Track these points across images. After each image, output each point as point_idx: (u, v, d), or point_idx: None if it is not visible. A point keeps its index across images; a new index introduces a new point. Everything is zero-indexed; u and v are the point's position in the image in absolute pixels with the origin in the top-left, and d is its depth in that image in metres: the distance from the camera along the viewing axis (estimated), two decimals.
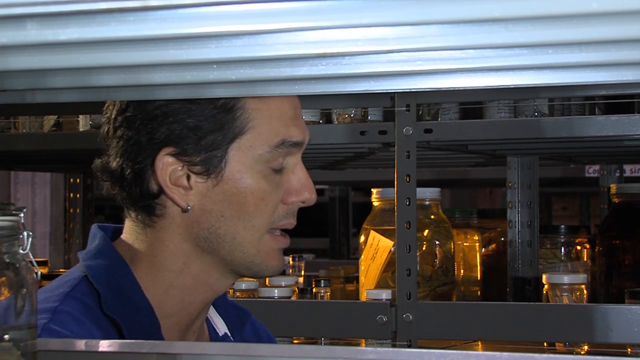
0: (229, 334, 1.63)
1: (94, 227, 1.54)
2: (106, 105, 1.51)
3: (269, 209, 1.48)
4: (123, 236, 1.52)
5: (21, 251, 1.03)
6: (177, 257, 1.48)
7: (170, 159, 1.45)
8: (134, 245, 1.50)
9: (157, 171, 1.45)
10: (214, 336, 1.61)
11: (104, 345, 1.11)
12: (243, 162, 1.46)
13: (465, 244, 3.06)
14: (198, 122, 1.44)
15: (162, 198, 1.47)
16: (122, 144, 1.47)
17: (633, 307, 2.22)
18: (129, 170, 1.46)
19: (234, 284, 2.67)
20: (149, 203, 1.48)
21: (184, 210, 1.46)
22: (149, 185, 1.47)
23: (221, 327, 1.63)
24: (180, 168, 1.45)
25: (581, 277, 2.46)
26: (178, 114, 1.44)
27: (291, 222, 1.51)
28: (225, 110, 1.45)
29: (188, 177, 1.46)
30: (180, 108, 1.44)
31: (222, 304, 1.64)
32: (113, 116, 1.48)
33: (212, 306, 1.62)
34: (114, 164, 1.48)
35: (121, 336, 1.43)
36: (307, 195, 1.51)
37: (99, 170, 1.51)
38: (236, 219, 1.46)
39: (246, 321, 1.67)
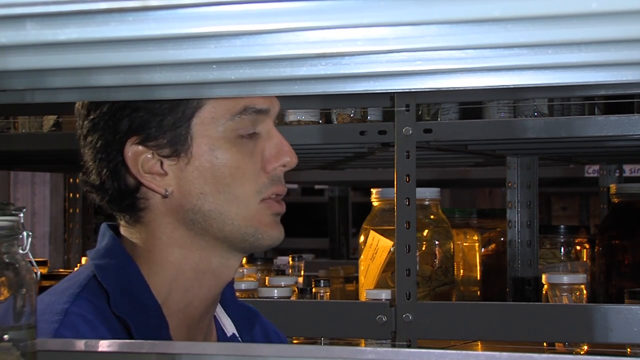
0: (237, 335, 1.62)
1: (103, 226, 1.55)
2: (76, 118, 1.53)
3: (247, 177, 1.47)
4: (123, 237, 1.53)
5: (21, 251, 1.03)
6: (172, 247, 1.49)
7: (139, 148, 1.46)
8: (133, 244, 1.51)
9: (128, 163, 1.46)
10: (221, 337, 1.61)
11: (104, 345, 1.11)
12: (209, 135, 1.46)
13: (464, 244, 3.06)
14: (154, 104, 1.45)
15: (142, 191, 1.48)
16: (92, 149, 1.49)
17: (633, 307, 2.22)
18: (104, 171, 1.48)
19: (233, 277, 2.66)
20: (131, 201, 1.48)
21: (165, 197, 1.47)
22: (125, 181, 1.48)
23: (229, 328, 1.62)
24: (150, 156, 1.46)
25: (581, 277, 2.46)
26: (133, 103, 1.45)
27: (280, 189, 1.50)
28: None
29: (161, 164, 1.46)
30: None
31: (230, 304, 1.64)
32: (80, 125, 1.51)
33: (220, 306, 1.62)
34: (92, 174, 1.50)
35: (130, 336, 1.43)
36: (287, 159, 1.50)
37: (83, 184, 1.54)
38: (217, 193, 1.46)
39: (255, 321, 1.66)
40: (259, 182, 1.48)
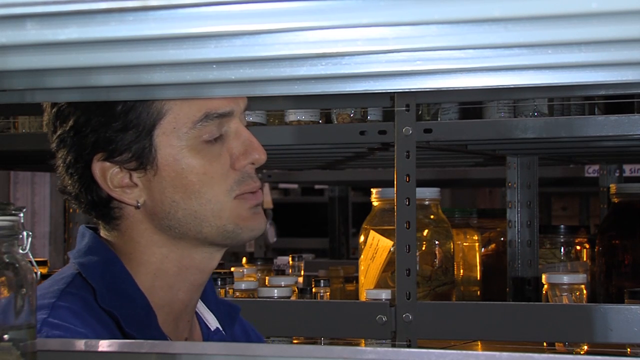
0: (221, 329, 1.63)
1: (81, 227, 1.57)
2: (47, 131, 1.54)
3: (215, 180, 1.47)
4: (103, 237, 1.54)
5: (21, 251, 1.03)
6: (152, 250, 1.50)
7: (105, 164, 1.47)
8: (113, 245, 1.52)
9: (97, 179, 1.48)
10: (205, 331, 1.62)
11: (104, 345, 1.11)
12: (172, 145, 1.47)
13: (464, 243, 3.06)
14: (115, 120, 1.45)
15: (115, 202, 1.49)
16: (62, 164, 1.51)
17: (633, 307, 2.22)
18: (77, 185, 1.50)
19: (233, 277, 2.67)
20: (106, 210, 1.50)
21: (137, 207, 1.48)
22: (98, 194, 1.49)
23: (212, 322, 1.63)
24: (117, 170, 1.47)
25: (581, 277, 2.46)
26: (95, 120, 1.46)
27: (251, 185, 1.50)
28: (136, 102, 1.45)
29: (130, 176, 1.48)
30: (96, 112, 1.45)
31: (212, 300, 1.65)
32: (50, 139, 1.53)
33: (202, 302, 1.63)
34: (67, 185, 1.52)
35: (119, 329, 1.44)
36: (256, 155, 1.50)
37: (61, 193, 1.56)
38: (188, 199, 1.47)
39: (236, 318, 1.68)
40: (229, 182, 1.48)
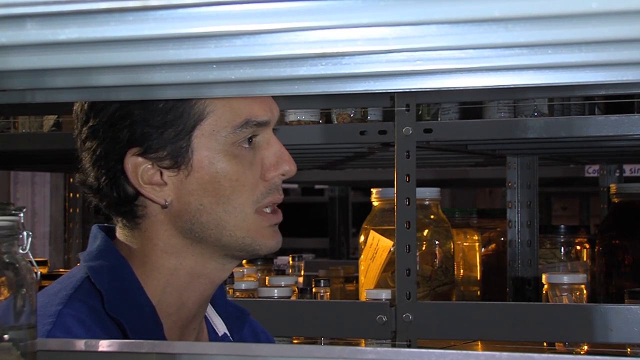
0: (229, 334, 1.63)
1: (94, 228, 1.54)
2: (74, 120, 1.52)
3: (246, 189, 1.47)
4: (117, 239, 1.53)
5: (21, 251, 1.03)
6: (169, 254, 1.49)
7: (138, 159, 1.46)
8: (128, 247, 1.51)
9: (127, 173, 1.46)
10: (213, 337, 1.61)
11: (104, 345, 1.11)
12: (209, 148, 1.46)
13: (464, 243, 3.06)
14: (155, 117, 1.45)
15: (141, 199, 1.48)
16: (91, 155, 1.48)
17: (633, 307, 2.22)
18: (103, 179, 1.48)
19: (233, 277, 2.67)
20: (129, 208, 1.49)
21: (164, 207, 1.47)
22: (125, 189, 1.48)
23: (220, 328, 1.63)
24: (150, 166, 1.46)
25: (581, 277, 2.46)
26: (135, 113, 1.45)
27: (277, 197, 1.51)
28: (179, 100, 1.45)
29: (161, 174, 1.46)
30: (136, 107, 1.44)
31: (221, 303, 1.65)
32: (79, 130, 1.50)
33: (211, 306, 1.62)
34: (90, 177, 1.50)
35: (125, 337, 1.43)
36: (287, 167, 1.50)
37: (80, 185, 1.53)
38: (215, 204, 1.46)
39: (245, 321, 1.67)
40: (257, 192, 1.48)
